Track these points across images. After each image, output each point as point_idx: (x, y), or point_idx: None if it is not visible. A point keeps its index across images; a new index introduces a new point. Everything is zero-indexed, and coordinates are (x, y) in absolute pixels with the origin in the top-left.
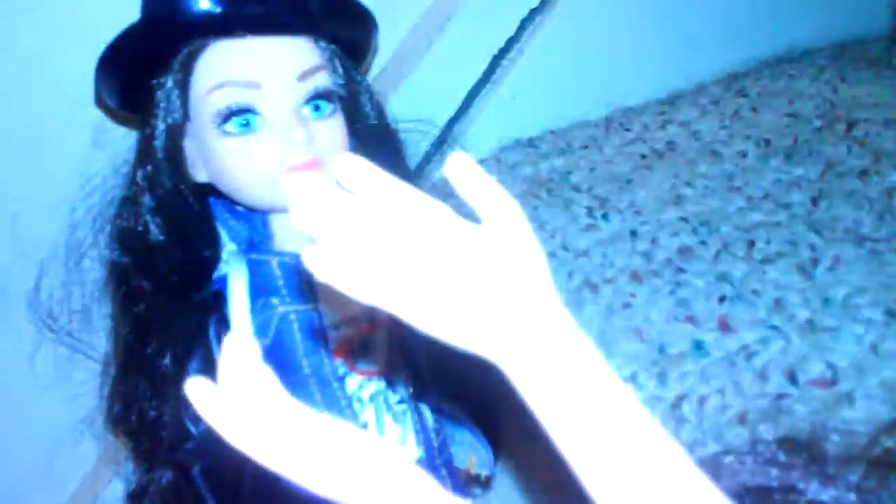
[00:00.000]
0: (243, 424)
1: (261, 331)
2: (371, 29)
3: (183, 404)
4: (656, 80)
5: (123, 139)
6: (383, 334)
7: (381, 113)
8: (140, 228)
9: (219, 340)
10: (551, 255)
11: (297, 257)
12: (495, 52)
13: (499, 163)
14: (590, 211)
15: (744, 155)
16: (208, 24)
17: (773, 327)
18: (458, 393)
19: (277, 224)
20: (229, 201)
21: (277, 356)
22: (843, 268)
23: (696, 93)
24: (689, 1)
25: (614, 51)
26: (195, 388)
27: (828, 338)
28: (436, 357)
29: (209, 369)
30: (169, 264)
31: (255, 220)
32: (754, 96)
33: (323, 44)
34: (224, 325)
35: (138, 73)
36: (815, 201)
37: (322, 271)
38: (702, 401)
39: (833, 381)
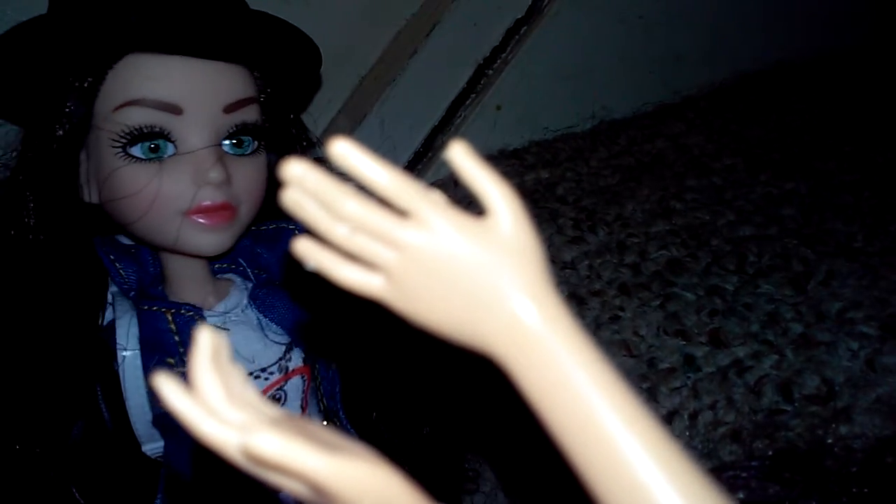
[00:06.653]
0: (221, 423)
1: (155, 395)
2: (315, 64)
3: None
4: (643, 93)
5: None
6: (296, 384)
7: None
8: (16, 242)
9: (107, 403)
10: None
11: (196, 310)
12: (480, 61)
13: None
14: (576, 223)
15: (733, 169)
16: (134, 31)
17: (767, 342)
18: (375, 432)
19: (172, 265)
20: (112, 237)
21: (175, 423)
22: (837, 282)
23: (683, 106)
24: (676, 14)
25: (601, 63)
26: (164, 383)
27: (822, 352)
28: (355, 399)
29: (95, 439)
30: (48, 296)
31: (144, 258)
32: (742, 110)
33: (258, 74)
34: (112, 384)
35: (35, 70)
36: (806, 215)
37: (313, 258)
38: (693, 417)
39: (829, 397)
